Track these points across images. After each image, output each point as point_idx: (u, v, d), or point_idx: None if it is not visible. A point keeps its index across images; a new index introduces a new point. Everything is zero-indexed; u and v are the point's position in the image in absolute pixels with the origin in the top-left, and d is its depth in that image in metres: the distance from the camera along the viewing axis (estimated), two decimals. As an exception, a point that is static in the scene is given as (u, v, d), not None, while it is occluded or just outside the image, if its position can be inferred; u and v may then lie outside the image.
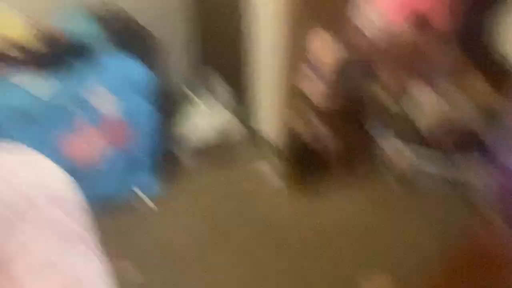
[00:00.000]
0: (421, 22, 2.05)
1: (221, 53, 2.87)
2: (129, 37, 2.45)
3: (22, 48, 2.24)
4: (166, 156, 2.56)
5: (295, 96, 2.21)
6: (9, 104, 2.07)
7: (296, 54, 2.16)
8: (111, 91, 2.26)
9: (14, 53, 2.21)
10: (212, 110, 2.65)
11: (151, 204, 2.44)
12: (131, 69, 2.34)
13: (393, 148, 2.39)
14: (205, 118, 2.64)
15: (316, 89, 2.13)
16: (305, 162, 2.36)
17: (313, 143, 2.29)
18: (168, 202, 2.45)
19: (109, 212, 2.36)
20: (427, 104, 2.16)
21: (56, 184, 0.47)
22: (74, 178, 2.01)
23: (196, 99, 2.69)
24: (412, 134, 2.29)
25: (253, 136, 2.88)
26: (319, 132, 2.29)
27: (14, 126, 2.05)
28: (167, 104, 2.55)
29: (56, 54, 2.26)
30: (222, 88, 2.76)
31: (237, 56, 2.70)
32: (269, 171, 2.60)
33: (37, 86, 2.14)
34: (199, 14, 2.96)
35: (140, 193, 2.47)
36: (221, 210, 2.41)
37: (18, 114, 2.06)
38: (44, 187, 0.45)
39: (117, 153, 2.34)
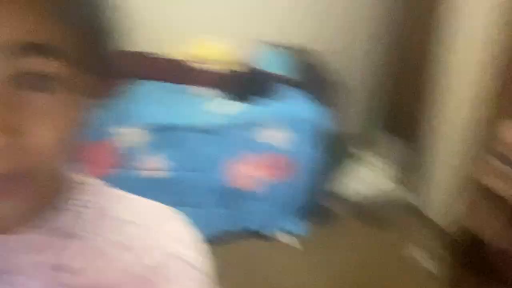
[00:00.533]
0: None
1: (401, 116, 2.80)
2: (315, 79, 2.51)
3: (218, 72, 2.47)
4: (320, 200, 2.54)
5: (475, 186, 1.94)
6: (192, 118, 2.31)
7: (483, 143, 1.91)
8: (283, 125, 2.34)
9: (211, 74, 2.46)
10: (379, 170, 2.53)
11: (293, 242, 2.45)
12: (307, 108, 2.41)
13: None
14: (369, 176, 2.55)
15: (505, 184, 1.83)
16: (471, 261, 2.03)
17: (491, 244, 1.95)
18: (310, 245, 2.43)
19: (254, 239, 2.44)
20: None
21: (196, 256, 0.52)
22: (232, 201, 2.10)
23: (364, 153, 2.61)
24: None
25: (414, 209, 2.66)
26: (504, 233, 1.95)
27: (192, 141, 2.27)
28: (334, 149, 2.53)
29: (244, 83, 2.45)
30: (394, 151, 2.63)
31: (418, 124, 2.58)
32: (423, 253, 2.34)
33: (220, 107, 2.37)
34: (390, 73, 2.90)
35: (285, 228, 2.49)
36: (358, 271, 2.28)
37: (197, 130, 2.27)
38: (184, 259, 0.50)
39: (275, 185, 2.42)
